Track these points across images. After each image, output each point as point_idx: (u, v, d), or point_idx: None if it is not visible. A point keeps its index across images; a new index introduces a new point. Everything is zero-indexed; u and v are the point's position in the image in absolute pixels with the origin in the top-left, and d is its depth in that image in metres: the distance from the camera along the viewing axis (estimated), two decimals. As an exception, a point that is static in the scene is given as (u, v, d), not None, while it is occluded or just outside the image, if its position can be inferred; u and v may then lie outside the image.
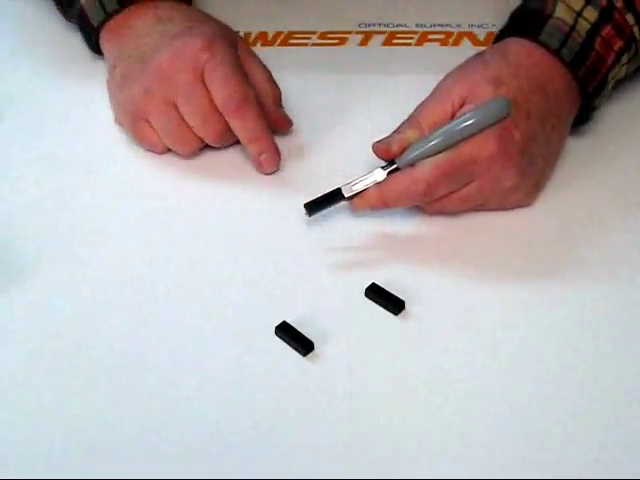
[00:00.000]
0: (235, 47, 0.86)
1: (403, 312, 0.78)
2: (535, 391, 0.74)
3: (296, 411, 0.73)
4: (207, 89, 0.83)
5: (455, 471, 0.70)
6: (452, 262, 0.81)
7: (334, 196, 0.81)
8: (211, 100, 0.83)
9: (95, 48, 0.92)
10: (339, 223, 0.83)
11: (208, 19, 0.89)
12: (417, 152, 0.80)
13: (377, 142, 0.82)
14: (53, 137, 0.90)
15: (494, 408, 0.73)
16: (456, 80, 0.82)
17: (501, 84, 0.81)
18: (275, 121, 0.87)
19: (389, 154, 0.81)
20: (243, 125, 0.83)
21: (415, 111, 0.82)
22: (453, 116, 0.81)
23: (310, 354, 0.75)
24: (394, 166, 0.81)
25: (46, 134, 0.90)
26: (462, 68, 0.84)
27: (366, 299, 0.78)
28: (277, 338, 0.76)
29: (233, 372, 0.74)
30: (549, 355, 0.76)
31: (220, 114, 0.83)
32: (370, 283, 0.79)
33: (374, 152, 0.82)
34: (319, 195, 0.81)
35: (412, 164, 0.80)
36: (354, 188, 0.81)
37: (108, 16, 0.89)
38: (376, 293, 0.78)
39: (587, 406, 0.73)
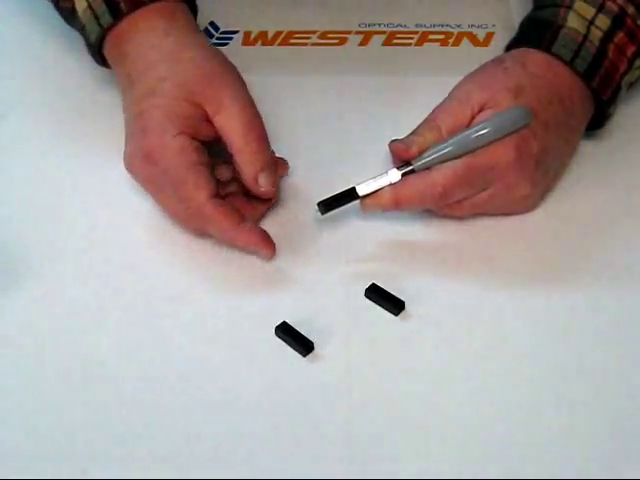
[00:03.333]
0: (192, 117, 0.78)
1: (403, 312, 0.78)
2: (535, 391, 0.74)
3: (296, 411, 0.73)
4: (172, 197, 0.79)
5: (455, 471, 0.70)
6: (452, 263, 0.81)
7: (348, 195, 0.80)
8: (177, 211, 0.80)
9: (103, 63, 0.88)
10: (339, 224, 0.83)
11: (171, 62, 0.81)
12: (435, 155, 0.79)
13: (395, 141, 0.81)
14: (55, 137, 0.90)
15: (494, 408, 0.73)
16: (476, 85, 0.82)
17: (521, 93, 0.80)
18: (255, 193, 0.80)
19: (407, 155, 0.80)
20: (212, 232, 0.79)
21: (433, 114, 0.82)
22: (472, 120, 0.80)
23: (310, 354, 0.75)
24: (409, 167, 0.80)
25: (47, 134, 0.90)
26: (481, 73, 0.83)
27: (366, 299, 0.78)
28: (277, 338, 0.76)
29: (233, 373, 0.74)
30: (549, 356, 0.76)
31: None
32: (370, 283, 0.79)
33: (391, 150, 0.82)
34: (333, 194, 0.80)
35: (428, 167, 0.80)
36: (368, 188, 0.80)
37: (104, 31, 0.84)
38: (376, 293, 0.78)
39: (587, 406, 0.73)
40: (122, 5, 0.83)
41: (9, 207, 0.84)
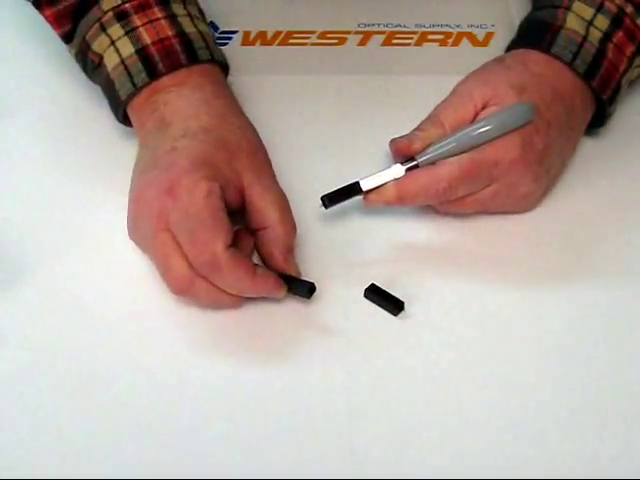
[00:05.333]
0: (224, 176, 0.75)
1: (402, 313, 0.78)
2: (535, 391, 0.74)
3: (294, 412, 0.73)
4: (172, 238, 0.74)
5: (455, 471, 0.70)
6: (452, 263, 0.81)
7: (352, 189, 0.80)
8: (173, 252, 0.74)
9: (123, 120, 0.85)
10: (339, 224, 0.83)
11: (219, 120, 0.79)
12: (440, 150, 0.79)
13: (398, 138, 0.81)
14: (55, 137, 0.89)
15: (494, 408, 0.73)
16: (478, 82, 0.82)
17: (524, 91, 0.81)
18: (280, 270, 0.77)
19: (410, 150, 0.80)
20: (222, 283, 0.74)
21: (436, 110, 0.82)
22: (475, 117, 0.81)
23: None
24: (413, 163, 0.80)
25: (48, 134, 0.90)
26: (483, 71, 0.84)
27: (365, 300, 0.78)
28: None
29: (232, 373, 0.75)
30: (549, 356, 0.76)
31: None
32: (369, 284, 0.79)
33: (392, 148, 0.82)
34: (336, 188, 0.80)
35: (432, 163, 0.80)
36: (372, 182, 0.80)
37: (136, 90, 0.81)
38: (375, 294, 0.78)
39: (587, 406, 0.73)
40: (160, 66, 0.81)
41: (7, 208, 0.84)
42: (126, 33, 0.82)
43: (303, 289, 0.76)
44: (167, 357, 0.75)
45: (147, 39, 0.82)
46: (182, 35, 0.82)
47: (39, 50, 0.95)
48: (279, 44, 0.97)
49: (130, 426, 0.72)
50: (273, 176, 0.79)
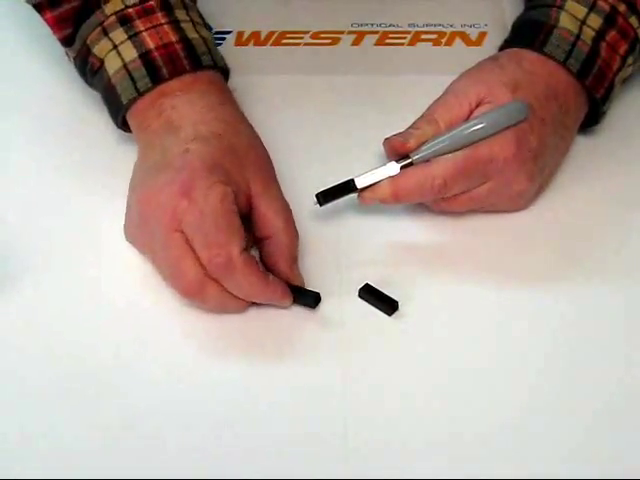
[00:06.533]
0: (235, 182, 0.76)
1: (397, 313, 0.78)
2: (531, 391, 0.74)
3: (290, 413, 0.73)
4: (184, 240, 0.73)
5: (453, 471, 0.70)
6: (446, 262, 0.81)
7: (347, 187, 0.80)
8: (185, 253, 0.73)
9: (121, 125, 0.84)
10: (333, 223, 0.83)
11: (228, 127, 0.79)
12: (435, 148, 0.79)
13: (392, 136, 0.81)
14: (55, 138, 0.89)
15: (489, 408, 0.73)
16: (473, 81, 0.82)
17: (518, 88, 0.81)
18: (285, 279, 0.77)
19: (405, 148, 0.80)
20: (234, 287, 0.74)
21: (431, 108, 0.82)
22: (469, 115, 0.81)
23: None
24: (408, 161, 0.80)
25: (48, 135, 0.90)
26: (477, 70, 0.84)
27: (360, 299, 0.78)
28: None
29: (228, 374, 0.75)
30: (544, 355, 0.76)
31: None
32: (364, 284, 0.79)
33: (386, 146, 0.82)
34: (331, 185, 0.80)
35: (426, 160, 0.80)
36: (367, 180, 0.80)
37: (139, 95, 0.81)
38: (370, 293, 0.78)
39: (586, 406, 0.73)
40: (164, 71, 0.81)
41: (6, 208, 0.84)
42: (129, 37, 0.82)
43: (309, 299, 0.77)
44: (165, 358, 0.75)
45: (151, 44, 0.81)
46: (185, 41, 0.82)
47: (36, 51, 0.95)
48: (272, 44, 0.97)
49: (128, 428, 0.72)
50: (279, 186, 0.79)
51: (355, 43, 0.97)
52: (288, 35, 0.98)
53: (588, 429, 0.72)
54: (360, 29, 0.98)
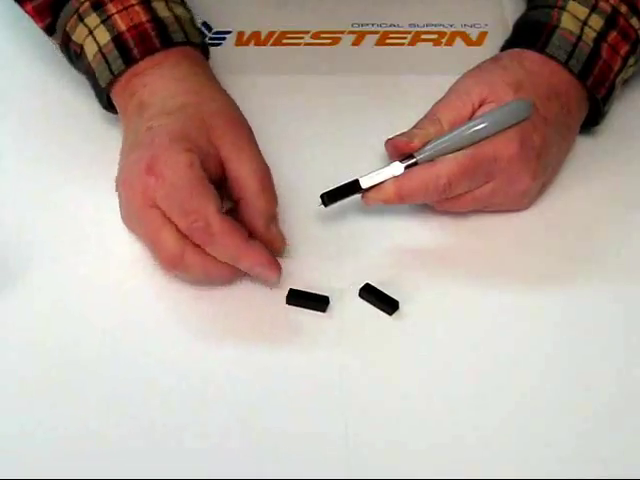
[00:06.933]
0: (202, 149, 0.76)
1: (397, 312, 0.78)
2: (530, 391, 0.74)
3: (289, 412, 0.73)
4: (161, 214, 0.74)
5: (453, 471, 0.70)
6: (447, 262, 0.81)
7: (352, 187, 0.80)
8: (162, 226, 0.74)
9: (107, 107, 0.86)
10: (334, 223, 0.83)
11: (195, 97, 0.80)
12: (439, 147, 0.79)
13: (396, 136, 0.81)
14: (54, 137, 0.89)
15: (489, 408, 0.73)
16: (475, 81, 0.82)
17: (520, 88, 0.81)
18: (265, 242, 0.77)
19: (409, 148, 0.80)
20: (217, 250, 0.74)
21: (434, 108, 0.82)
22: (473, 115, 0.81)
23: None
24: (412, 160, 0.80)
25: (47, 135, 0.89)
26: (480, 70, 0.84)
27: (360, 299, 0.78)
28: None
29: (225, 375, 0.75)
30: (544, 355, 0.76)
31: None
32: (364, 283, 0.79)
33: (390, 146, 0.82)
34: (336, 186, 0.80)
35: (430, 160, 0.80)
36: (372, 180, 0.80)
37: (114, 77, 0.83)
38: (370, 293, 0.78)
39: (586, 407, 0.73)
40: (135, 52, 0.82)
41: (5, 208, 0.84)
42: (102, 22, 0.83)
43: (318, 303, 0.77)
44: (166, 353, 0.75)
45: (122, 26, 0.83)
46: (156, 20, 0.83)
47: (21, 42, 0.95)
48: (273, 44, 0.97)
49: (126, 427, 0.72)
50: (253, 147, 0.79)
51: (355, 43, 0.97)
52: (288, 35, 0.98)
53: (588, 430, 0.72)
54: (360, 29, 0.98)
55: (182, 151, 0.75)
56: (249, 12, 0.99)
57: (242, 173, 0.77)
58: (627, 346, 0.77)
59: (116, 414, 0.72)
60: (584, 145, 0.88)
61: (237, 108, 0.81)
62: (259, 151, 0.79)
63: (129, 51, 0.82)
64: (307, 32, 0.98)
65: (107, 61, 0.83)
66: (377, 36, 0.98)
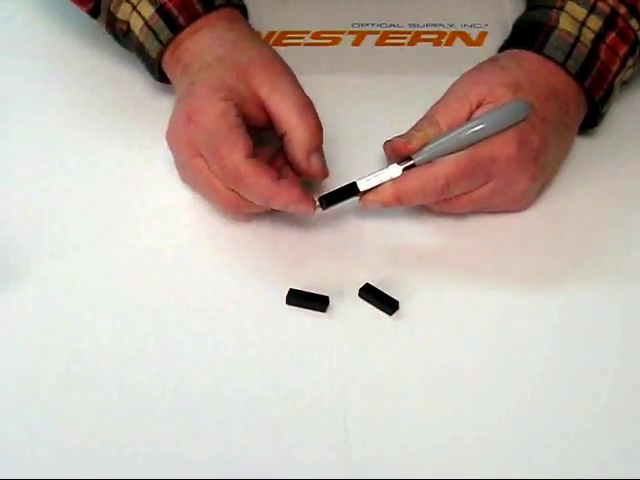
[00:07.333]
0: (240, 94, 0.79)
1: (397, 312, 0.78)
2: (529, 392, 0.74)
3: (289, 412, 0.73)
4: (205, 161, 0.79)
5: (452, 471, 0.70)
6: (446, 263, 0.81)
7: (349, 190, 0.80)
8: (210, 174, 0.79)
9: (160, 77, 0.89)
10: (334, 223, 0.83)
11: (231, 48, 0.83)
12: (437, 149, 0.79)
13: (394, 137, 0.81)
14: (55, 135, 0.89)
15: (488, 408, 0.73)
16: (473, 82, 0.82)
17: (519, 89, 0.81)
18: (304, 172, 0.80)
19: (407, 149, 0.80)
20: (250, 193, 0.78)
21: (432, 110, 0.82)
22: (471, 116, 0.81)
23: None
24: (410, 162, 0.80)
25: (47, 133, 0.90)
26: (478, 71, 0.84)
27: (360, 299, 0.79)
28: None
29: (226, 371, 0.75)
30: (543, 355, 0.76)
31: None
32: (364, 283, 0.79)
33: (388, 148, 0.82)
34: (334, 189, 0.80)
35: (429, 162, 0.80)
36: (369, 183, 0.80)
37: (164, 46, 0.86)
38: (370, 293, 0.78)
39: (585, 407, 0.74)
40: (180, 19, 0.85)
41: (8, 204, 0.84)
42: None
43: (318, 303, 0.77)
44: (162, 352, 0.76)
45: None
46: None
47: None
48: (273, 44, 0.97)
49: (125, 430, 0.72)
50: (292, 81, 0.82)
51: (355, 43, 0.98)
52: (288, 35, 0.98)
53: (588, 430, 0.72)
54: (360, 29, 0.98)
55: (217, 100, 0.78)
56: (249, 12, 0.99)
57: (280, 109, 0.80)
58: (626, 346, 0.77)
59: (116, 414, 0.72)
60: (583, 146, 0.88)
61: (274, 53, 0.84)
62: (298, 86, 0.82)
63: (174, 19, 0.85)
64: (307, 32, 0.98)
65: (154, 32, 0.85)
66: (377, 36, 0.98)
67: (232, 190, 0.78)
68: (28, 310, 0.78)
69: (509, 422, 0.73)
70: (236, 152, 0.77)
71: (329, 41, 0.98)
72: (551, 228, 0.84)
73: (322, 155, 0.81)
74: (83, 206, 0.84)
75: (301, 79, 0.93)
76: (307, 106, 0.80)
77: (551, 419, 0.73)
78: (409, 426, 0.72)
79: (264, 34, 0.97)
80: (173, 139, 0.81)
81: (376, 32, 0.98)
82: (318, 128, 0.80)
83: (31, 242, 0.81)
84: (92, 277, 0.79)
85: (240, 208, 0.80)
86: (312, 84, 0.92)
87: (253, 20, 0.97)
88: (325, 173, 0.81)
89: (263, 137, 0.82)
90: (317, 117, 0.81)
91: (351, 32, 0.98)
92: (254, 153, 0.79)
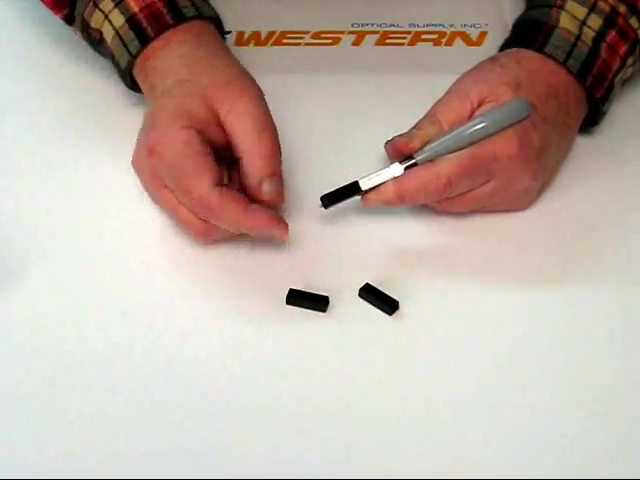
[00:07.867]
0: (202, 120, 0.77)
1: (397, 312, 0.78)
2: (530, 391, 0.74)
3: (289, 412, 0.73)
4: (171, 192, 0.78)
5: (452, 471, 0.70)
6: (447, 263, 0.81)
7: (351, 189, 0.80)
8: (177, 204, 0.77)
9: (132, 87, 0.88)
10: (334, 223, 0.83)
11: (194, 69, 0.81)
12: (438, 148, 0.79)
13: (396, 137, 0.81)
14: (55, 135, 0.90)
15: (489, 408, 0.73)
16: (474, 81, 0.82)
17: (519, 87, 0.81)
18: (256, 199, 0.77)
19: (409, 148, 0.80)
20: (220, 222, 0.76)
21: (433, 109, 0.82)
22: (472, 115, 0.81)
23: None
24: (412, 161, 0.80)
25: (47, 132, 0.90)
26: (478, 70, 0.84)
27: (360, 299, 0.79)
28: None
29: (226, 371, 0.75)
30: (544, 355, 0.76)
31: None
32: (364, 283, 0.79)
33: (389, 147, 0.82)
34: (336, 188, 0.80)
35: (430, 160, 0.80)
36: (371, 182, 0.80)
37: (133, 57, 0.84)
38: (370, 293, 0.78)
39: (584, 406, 0.74)
40: (149, 30, 0.84)
41: (7, 204, 0.84)
42: (116, 5, 0.85)
43: (318, 303, 0.77)
44: (161, 352, 0.76)
45: (135, 7, 0.85)
46: None
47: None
48: (273, 44, 0.97)
49: (124, 429, 0.72)
50: (252, 101, 0.79)
51: (355, 43, 0.98)
52: (288, 35, 0.98)
53: (588, 429, 0.72)
54: (360, 29, 0.98)
55: (178, 130, 0.77)
56: (249, 12, 0.99)
57: (235, 132, 0.78)
58: (626, 346, 0.77)
59: (116, 414, 0.72)
60: (584, 145, 0.88)
61: (239, 71, 0.82)
62: (258, 106, 0.79)
63: (143, 31, 0.84)
64: (307, 32, 0.98)
65: (124, 43, 0.85)
66: (377, 36, 0.98)
67: (203, 220, 0.77)
68: (16, 314, 0.78)
69: (509, 422, 0.73)
70: (201, 182, 0.75)
71: (329, 41, 0.98)
72: (552, 227, 0.84)
73: (278, 181, 0.78)
74: (68, 212, 0.84)
75: (301, 79, 0.94)
76: (264, 129, 0.77)
77: (551, 419, 0.73)
78: (409, 426, 0.72)
79: (264, 34, 0.97)
80: (139, 168, 0.80)
81: (376, 32, 0.98)
82: (273, 153, 0.77)
83: (19, 247, 0.81)
84: (79, 282, 0.79)
85: (213, 236, 0.78)
86: (312, 84, 0.93)
87: (253, 20, 0.98)
88: (278, 200, 0.78)
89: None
90: (274, 140, 0.78)
91: (351, 32, 0.98)
92: (231, 174, 0.78)
